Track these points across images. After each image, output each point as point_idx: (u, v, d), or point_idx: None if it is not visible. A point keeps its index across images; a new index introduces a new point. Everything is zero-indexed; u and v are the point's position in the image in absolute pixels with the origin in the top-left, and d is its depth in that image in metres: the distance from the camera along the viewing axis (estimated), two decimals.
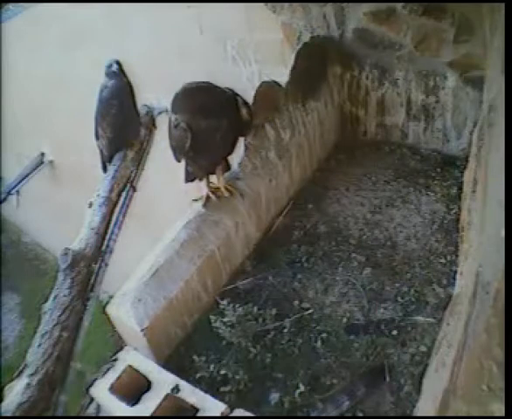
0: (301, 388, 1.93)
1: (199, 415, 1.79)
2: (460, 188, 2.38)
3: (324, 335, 2.10)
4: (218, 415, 1.78)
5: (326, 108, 2.97)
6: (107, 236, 2.80)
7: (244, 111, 2.21)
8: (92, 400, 2.03)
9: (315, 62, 2.85)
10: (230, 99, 2.21)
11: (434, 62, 2.66)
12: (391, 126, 3.00)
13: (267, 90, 2.59)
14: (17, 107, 4.95)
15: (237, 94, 2.24)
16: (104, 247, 2.78)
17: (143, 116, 3.61)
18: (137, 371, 1.95)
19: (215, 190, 2.37)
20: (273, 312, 2.19)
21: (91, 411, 2.04)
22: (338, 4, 2.79)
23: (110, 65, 3.12)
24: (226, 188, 2.38)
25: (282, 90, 2.67)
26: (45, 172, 5.23)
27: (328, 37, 2.92)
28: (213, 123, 2.14)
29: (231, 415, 1.79)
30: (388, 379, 1.91)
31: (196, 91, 2.20)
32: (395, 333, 2.05)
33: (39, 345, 2.19)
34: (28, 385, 2.06)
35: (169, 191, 3.91)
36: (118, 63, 3.15)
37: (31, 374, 2.09)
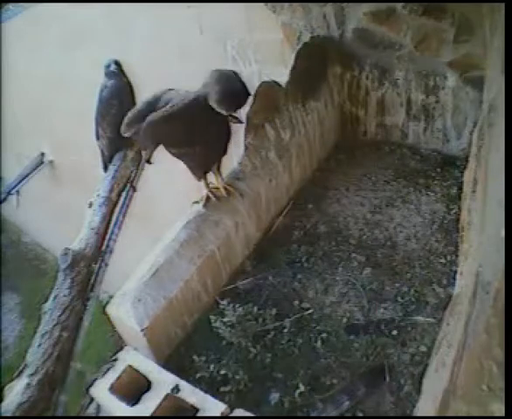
0: (301, 388, 1.93)
1: (199, 415, 1.79)
2: (460, 188, 2.38)
3: (324, 335, 2.10)
4: (218, 415, 1.78)
5: (326, 108, 2.97)
6: (107, 236, 2.80)
7: (232, 121, 2.09)
8: (92, 400, 2.03)
9: (315, 62, 2.85)
10: (206, 117, 1.99)
11: (434, 62, 2.66)
12: (391, 126, 3.00)
13: (267, 90, 2.59)
14: (17, 107, 4.95)
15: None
16: (104, 247, 2.78)
17: None
18: (137, 371, 1.95)
19: (215, 190, 2.37)
20: (273, 312, 2.19)
21: (91, 411, 2.04)
22: (338, 4, 2.79)
23: (109, 65, 3.12)
24: (225, 189, 2.37)
25: (282, 90, 2.67)
26: (45, 172, 5.24)
27: (328, 37, 2.92)
28: (185, 151, 2.12)
29: (231, 415, 1.79)
30: (388, 379, 1.91)
31: (162, 122, 2.03)
32: (395, 333, 2.05)
33: (39, 345, 2.19)
34: (28, 385, 2.06)
35: (169, 191, 3.92)
36: (117, 63, 3.15)
37: (31, 374, 2.09)
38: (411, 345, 2.00)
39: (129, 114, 2.16)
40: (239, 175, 2.48)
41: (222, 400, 1.84)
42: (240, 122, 2.19)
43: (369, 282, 2.27)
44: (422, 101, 2.81)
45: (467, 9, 2.39)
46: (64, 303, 2.36)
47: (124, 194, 2.77)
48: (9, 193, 4.95)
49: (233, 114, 2.02)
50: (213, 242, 2.27)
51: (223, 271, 2.37)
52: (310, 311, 2.20)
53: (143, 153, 2.19)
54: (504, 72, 1.43)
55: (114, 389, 1.91)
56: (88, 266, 2.58)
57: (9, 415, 1.97)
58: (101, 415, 2.02)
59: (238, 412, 1.79)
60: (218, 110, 1.95)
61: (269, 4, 3.03)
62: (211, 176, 2.37)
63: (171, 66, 3.71)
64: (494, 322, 0.99)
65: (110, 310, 2.11)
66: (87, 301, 2.50)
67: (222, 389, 1.98)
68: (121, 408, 1.86)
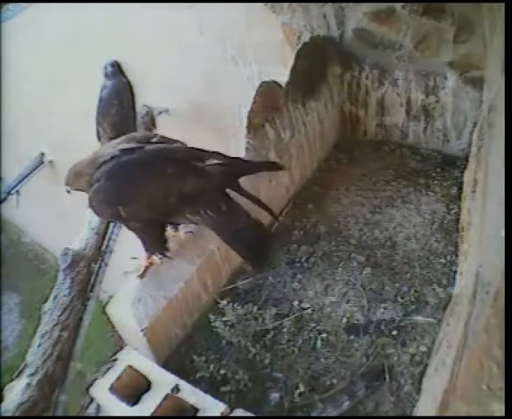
0: (301, 388, 1.93)
1: (199, 415, 1.79)
2: (460, 188, 2.39)
3: (324, 335, 2.10)
4: (218, 415, 1.78)
5: (326, 108, 2.97)
6: (107, 236, 2.81)
7: None
8: (92, 400, 2.03)
9: (315, 62, 2.85)
10: None
11: (434, 62, 2.66)
12: (391, 126, 3.00)
13: (267, 90, 2.59)
14: (17, 107, 4.95)
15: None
16: (104, 247, 2.78)
17: (143, 116, 3.62)
18: (137, 371, 1.95)
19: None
20: (273, 311, 2.19)
21: (91, 411, 2.04)
22: (338, 4, 2.79)
23: (109, 66, 3.13)
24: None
25: (282, 90, 2.67)
26: (45, 172, 5.23)
27: (328, 37, 2.92)
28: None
29: (231, 415, 1.79)
30: (388, 379, 1.91)
31: None
32: (395, 333, 2.05)
33: (39, 345, 2.19)
34: (28, 385, 2.06)
35: None
36: (117, 63, 3.16)
37: (31, 374, 2.09)
38: (411, 345, 2.00)
39: None
40: None
41: (222, 400, 1.84)
42: None
43: (369, 282, 2.27)
44: (422, 101, 2.81)
45: (467, 9, 2.39)
46: (64, 303, 2.36)
47: None
48: (9, 193, 4.95)
49: None
50: (213, 242, 2.27)
51: (223, 271, 2.37)
52: (309, 309, 2.20)
53: None
54: (504, 72, 1.43)
55: (114, 389, 1.91)
56: (88, 266, 2.59)
57: (9, 415, 1.97)
58: (101, 415, 2.02)
59: (238, 412, 1.79)
60: None
61: (269, 4, 3.03)
62: None
63: (171, 66, 3.71)
64: (494, 322, 0.99)
65: (110, 310, 2.10)
66: (87, 301, 2.50)
67: (222, 389, 1.97)
68: (121, 408, 1.86)
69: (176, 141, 2.02)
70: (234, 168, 1.98)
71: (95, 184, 1.88)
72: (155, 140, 1.98)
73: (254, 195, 2.03)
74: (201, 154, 1.94)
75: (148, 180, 1.86)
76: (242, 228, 1.95)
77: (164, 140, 2.00)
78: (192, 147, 1.99)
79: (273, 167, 2.22)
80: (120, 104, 3.02)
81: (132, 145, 1.92)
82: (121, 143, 1.95)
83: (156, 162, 1.88)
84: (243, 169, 2.03)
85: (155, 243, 2.07)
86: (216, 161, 1.90)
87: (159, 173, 1.86)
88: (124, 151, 1.88)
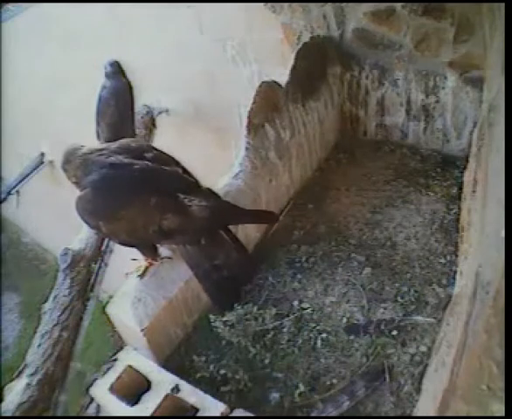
0: (301, 388, 1.93)
1: (199, 415, 1.79)
2: (460, 188, 2.38)
3: (324, 335, 2.10)
4: (218, 415, 1.78)
5: (326, 108, 2.97)
6: None
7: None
8: (92, 400, 2.03)
9: (315, 62, 2.85)
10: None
11: (434, 62, 2.66)
12: (391, 126, 3.00)
13: (267, 90, 2.59)
14: (17, 107, 4.95)
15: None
16: (104, 247, 2.78)
17: (143, 116, 3.62)
18: (137, 371, 1.95)
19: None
20: (273, 311, 2.19)
21: (91, 411, 2.04)
22: (338, 4, 2.79)
23: (109, 66, 3.13)
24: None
25: (282, 90, 2.67)
26: (45, 172, 5.24)
27: (328, 37, 2.92)
28: None
29: (231, 415, 1.79)
30: (388, 379, 1.91)
31: None
32: (395, 333, 2.05)
33: (39, 345, 2.20)
34: (28, 385, 2.06)
35: None
36: (117, 63, 3.16)
37: (31, 374, 2.10)
38: (411, 345, 2.00)
39: None
40: (239, 175, 2.47)
41: (222, 400, 1.84)
42: None
43: (369, 282, 2.27)
44: (422, 101, 2.81)
45: (467, 9, 2.39)
46: (64, 303, 2.37)
47: None
48: (9, 193, 4.96)
49: None
50: None
51: None
52: (309, 309, 2.20)
53: None
54: (504, 72, 1.43)
55: (114, 389, 1.91)
56: (88, 266, 2.59)
57: (9, 415, 1.97)
58: (101, 415, 2.02)
59: (238, 412, 1.80)
60: None
61: (269, 4, 3.03)
62: None
63: (171, 66, 3.71)
64: (494, 322, 0.99)
65: (110, 310, 2.10)
66: (87, 301, 2.51)
67: (222, 389, 1.97)
68: (121, 408, 1.86)
69: (171, 160, 1.94)
70: (222, 216, 1.91)
71: (83, 191, 1.86)
72: (149, 155, 1.90)
73: (239, 241, 1.96)
74: (192, 187, 1.88)
75: (130, 206, 1.82)
76: (217, 265, 1.91)
77: (158, 157, 1.92)
78: (185, 175, 1.92)
79: (266, 218, 2.12)
80: (116, 104, 3.02)
81: (123, 159, 1.86)
82: (114, 152, 1.90)
83: (142, 188, 1.83)
84: (231, 218, 1.96)
85: (145, 250, 2.09)
86: (205, 203, 1.82)
87: (142, 202, 1.81)
88: (113, 166, 1.84)
